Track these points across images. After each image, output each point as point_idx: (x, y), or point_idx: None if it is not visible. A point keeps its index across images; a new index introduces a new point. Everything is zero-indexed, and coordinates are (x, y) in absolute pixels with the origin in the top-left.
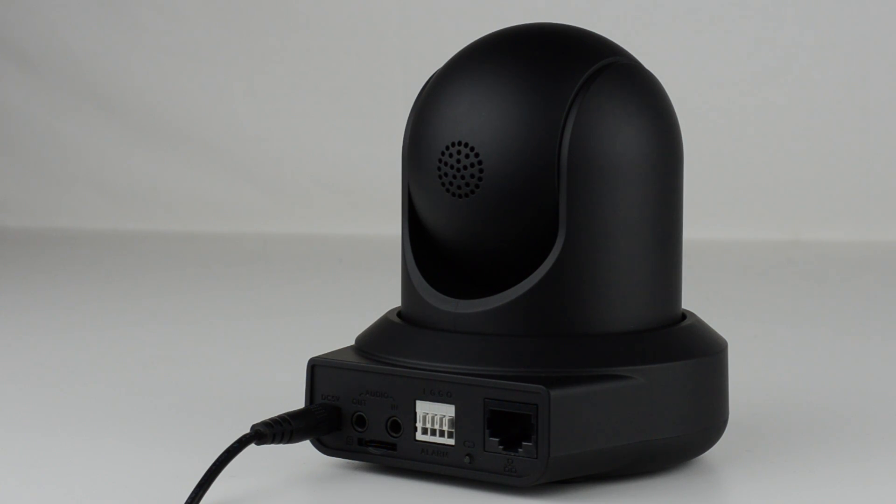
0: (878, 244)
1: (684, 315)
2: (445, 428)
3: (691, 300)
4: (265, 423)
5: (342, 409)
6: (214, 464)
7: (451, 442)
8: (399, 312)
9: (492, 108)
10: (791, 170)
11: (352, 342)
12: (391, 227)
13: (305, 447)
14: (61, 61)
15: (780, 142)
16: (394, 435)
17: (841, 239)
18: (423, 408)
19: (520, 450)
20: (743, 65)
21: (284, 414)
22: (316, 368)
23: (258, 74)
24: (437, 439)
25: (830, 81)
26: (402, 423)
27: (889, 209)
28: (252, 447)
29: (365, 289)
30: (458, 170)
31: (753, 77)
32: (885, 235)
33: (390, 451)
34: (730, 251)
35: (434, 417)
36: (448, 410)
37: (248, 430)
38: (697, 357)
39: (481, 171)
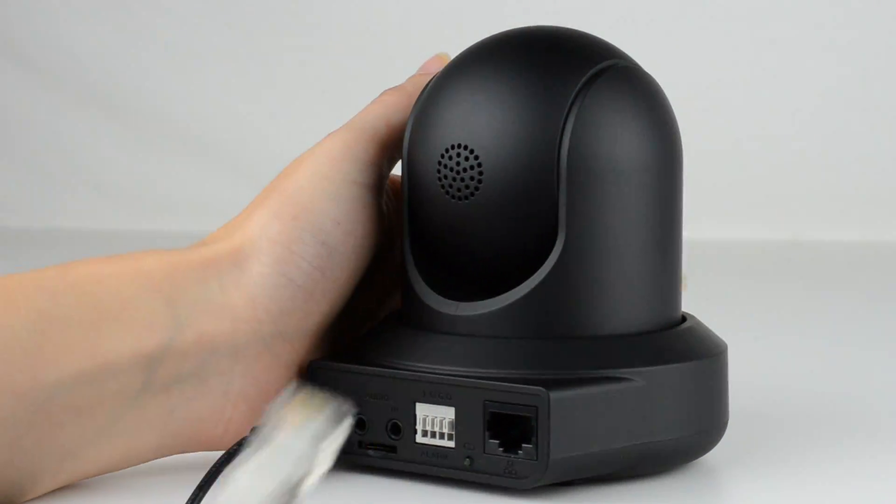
0: (878, 244)
1: (684, 317)
2: (445, 430)
3: (691, 300)
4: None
5: None
6: (214, 466)
7: (451, 444)
8: (399, 315)
9: (491, 111)
10: (791, 170)
11: (351, 344)
12: None
13: None
14: (61, 61)
15: (780, 142)
16: (394, 437)
17: (841, 239)
18: (423, 410)
19: (520, 452)
20: (743, 65)
21: None
22: (316, 371)
23: (259, 74)
24: (437, 442)
25: (830, 82)
26: (402, 425)
27: (889, 209)
28: None
29: None
30: (458, 172)
31: (753, 77)
32: (885, 235)
33: (390, 454)
34: (730, 251)
35: (434, 420)
36: (448, 413)
37: (246, 432)
38: (697, 359)
39: (481, 173)
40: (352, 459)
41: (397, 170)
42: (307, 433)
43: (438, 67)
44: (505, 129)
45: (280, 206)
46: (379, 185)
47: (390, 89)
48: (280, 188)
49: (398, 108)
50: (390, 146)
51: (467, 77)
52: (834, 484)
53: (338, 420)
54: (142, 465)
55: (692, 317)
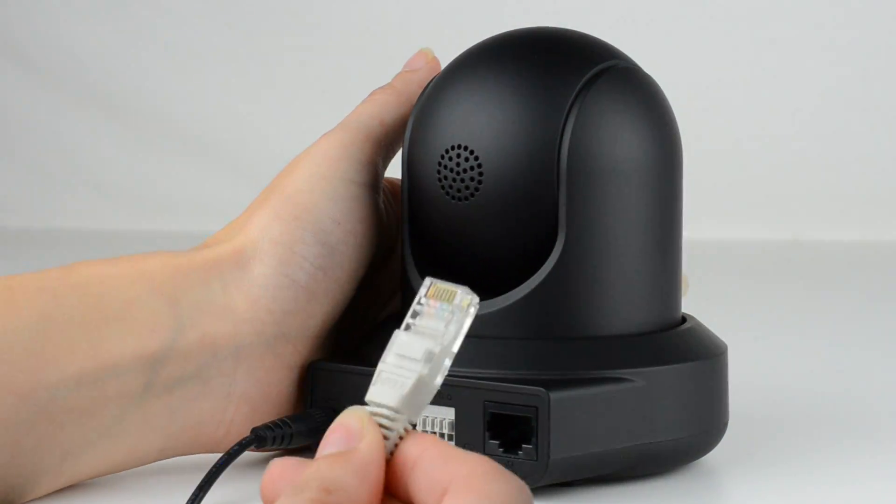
0: (878, 244)
1: (684, 318)
2: (445, 431)
3: (691, 300)
4: (265, 427)
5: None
6: (214, 466)
7: (451, 445)
8: (399, 316)
9: (491, 112)
10: (791, 170)
11: (351, 346)
12: None
13: (306, 450)
14: (61, 61)
15: (780, 142)
16: None
17: (841, 239)
18: (423, 411)
19: (520, 452)
20: (743, 65)
21: (284, 417)
22: (316, 372)
23: (259, 74)
24: None
25: (830, 82)
26: None
27: (889, 209)
28: (251, 450)
29: None
30: (458, 173)
31: (753, 77)
32: (885, 235)
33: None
34: (730, 251)
35: (434, 420)
36: (448, 413)
37: (248, 434)
38: (697, 360)
39: (481, 174)
40: None
41: (396, 171)
42: (443, 315)
43: (423, 63)
44: (505, 130)
45: (280, 208)
46: (375, 183)
47: (379, 88)
48: (279, 189)
49: (390, 106)
50: (385, 144)
51: (467, 78)
52: (834, 484)
53: (465, 307)
54: (140, 466)
55: (692, 318)
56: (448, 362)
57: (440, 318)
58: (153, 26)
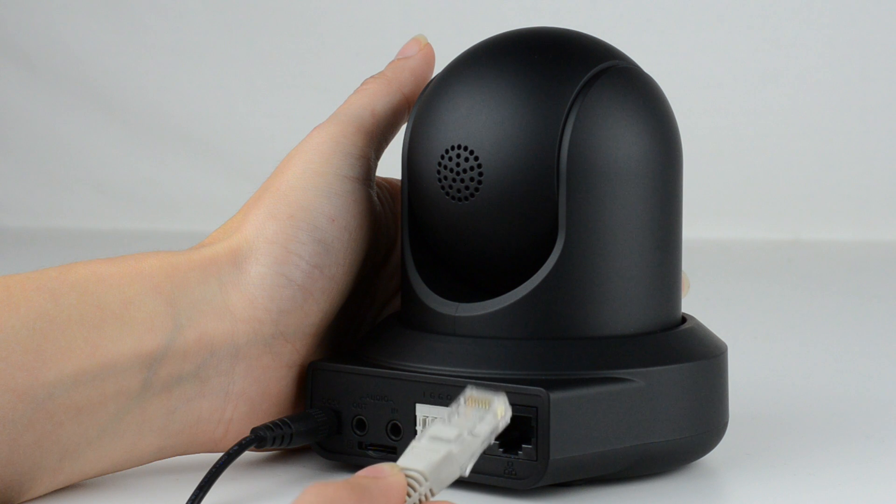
0: (878, 244)
1: (684, 318)
2: None
3: (691, 300)
4: (265, 427)
5: (342, 413)
6: (214, 467)
7: None
8: (399, 316)
9: (491, 112)
10: (791, 170)
11: (351, 346)
12: None
13: (305, 450)
14: (61, 61)
15: (780, 142)
16: (394, 438)
17: (841, 239)
18: (423, 411)
19: (520, 452)
20: (743, 65)
21: (284, 417)
22: (316, 372)
23: (258, 74)
24: None
25: (831, 82)
26: (403, 426)
27: (889, 209)
28: (251, 450)
29: None
30: (458, 173)
31: (753, 77)
32: (885, 235)
33: (390, 455)
34: (730, 251)
35: (434, 420)
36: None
37: (247, 433)
38: (697, 360)
39: (481, 174)
40: (352, 460)
41: (396, 171)
42: (477, 415)
43: (416, 50)
44: (505, 130)
45: (275, 206)
46: (368, 176)
47: (371, 77)
48: (273, 187)
49: (381, 96)
50: (377, 135)
51: (467, 78)
52: (834, 484)
53: (499, 415)
54: (140, 466)
55: (692, 318)
56: (475, 458)
57: (475, 417)
58: (153, 26)
